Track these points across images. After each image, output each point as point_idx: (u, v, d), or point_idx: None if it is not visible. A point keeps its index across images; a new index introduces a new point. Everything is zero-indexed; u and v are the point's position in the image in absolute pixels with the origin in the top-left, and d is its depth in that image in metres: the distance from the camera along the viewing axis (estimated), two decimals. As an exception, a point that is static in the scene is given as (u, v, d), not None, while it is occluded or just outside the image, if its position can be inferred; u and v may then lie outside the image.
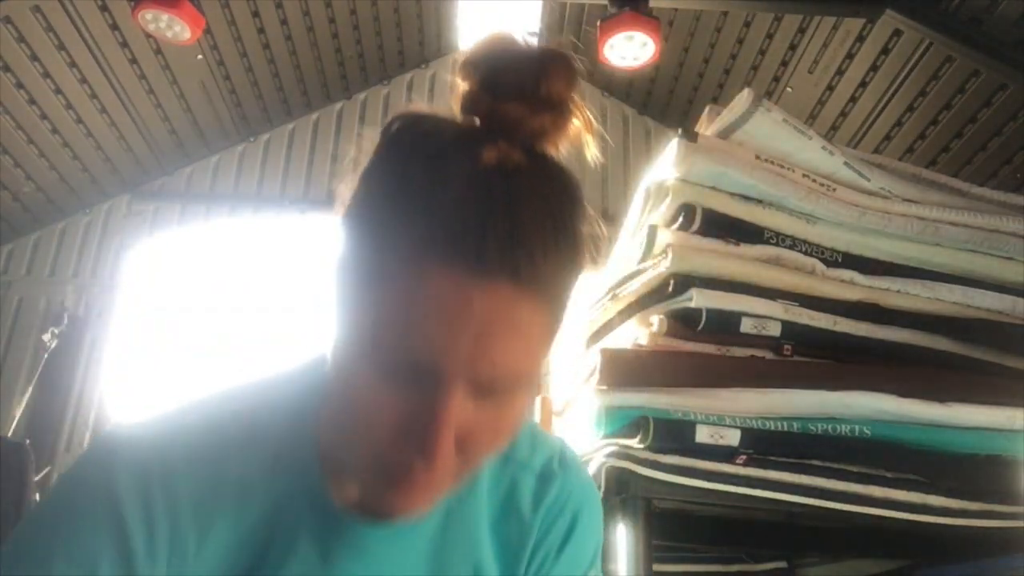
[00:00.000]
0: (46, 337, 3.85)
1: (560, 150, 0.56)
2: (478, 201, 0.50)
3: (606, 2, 3.26)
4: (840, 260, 1.42)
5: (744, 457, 1.27)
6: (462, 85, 0.56)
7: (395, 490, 0.55)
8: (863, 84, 3.57)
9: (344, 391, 0.56)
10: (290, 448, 0.63)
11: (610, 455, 1.29)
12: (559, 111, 0.55)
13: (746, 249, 1.38)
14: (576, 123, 0.57)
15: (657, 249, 1.41)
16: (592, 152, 0.59)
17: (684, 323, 1.34)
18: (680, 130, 1.38)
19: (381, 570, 0.65)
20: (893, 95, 3.49)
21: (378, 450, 0.55)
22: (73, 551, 0.56)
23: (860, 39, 3.43)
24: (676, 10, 3.83)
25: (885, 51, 3.38)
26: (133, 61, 3.76)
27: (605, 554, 0.89)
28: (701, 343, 1.37)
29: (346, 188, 0.58)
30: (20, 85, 3.56)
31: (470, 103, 0.55)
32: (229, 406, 0.65)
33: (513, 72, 0.54)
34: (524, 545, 0.70)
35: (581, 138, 0.58)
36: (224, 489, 0.61)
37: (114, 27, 3.57)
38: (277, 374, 0.68)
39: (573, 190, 0.56)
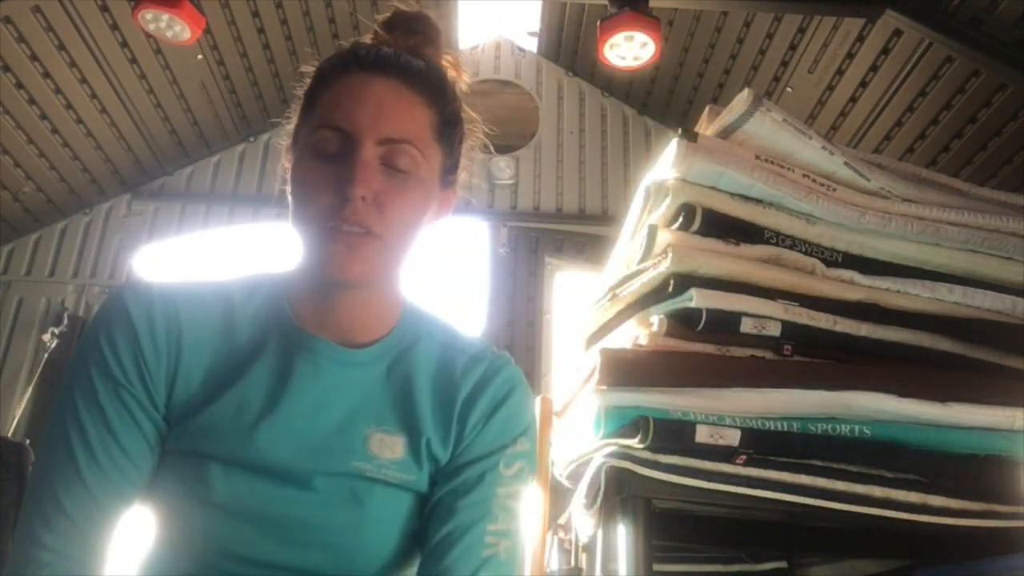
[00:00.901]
0: (46, 337, 3.86)
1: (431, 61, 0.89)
2: (376, 48, 0.86)
3: (606, 2, 3.26)
4: (840, 260, 1.42)
5: (744, 457, 1.27)
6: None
7: (335, 242, 0.78)
8: (863, 84, 3.57)
9: (298, 178, 0.83)
10: (270, 301, 0.87)
11: (610, 455, 1.29)
12: (421, 36, 0.90)
13: (746, 249, 1.38)
14: (447, 59, 0.93)
15: (657, 249, 1.41)
16: (463, 79, 0.93)
17: (684, 323, 1.34)
18: (680, 130, 1.38)
19: (328, 385, 0.85)
20: (893, 95, 3.49)
21: (321, 210, 0.79)
22: (104, 344, 0.81)
23: (860, 39, 3.43)
24: (676, 10, 3.83)
25: (885, 51, 3.38)
26: (133, 61, 3.76)
27: (605, 554, 0.90)
28: (701, 343, 1.37)
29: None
30: (20, 85, 3.56)
31: (375, 37, 0.91)
32: (225, 276, 0.90)
33: (396, 21, 0.92)
34: (454, 401, 0.88)
35: (451, 65, 0.93)
36: (214, 316, 0.85)
37: (114, 27, 3.57)
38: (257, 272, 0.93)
39: (435, 64, 0.90)
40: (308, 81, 0.88)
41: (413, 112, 0.82)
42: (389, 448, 0.85)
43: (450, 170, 0.89)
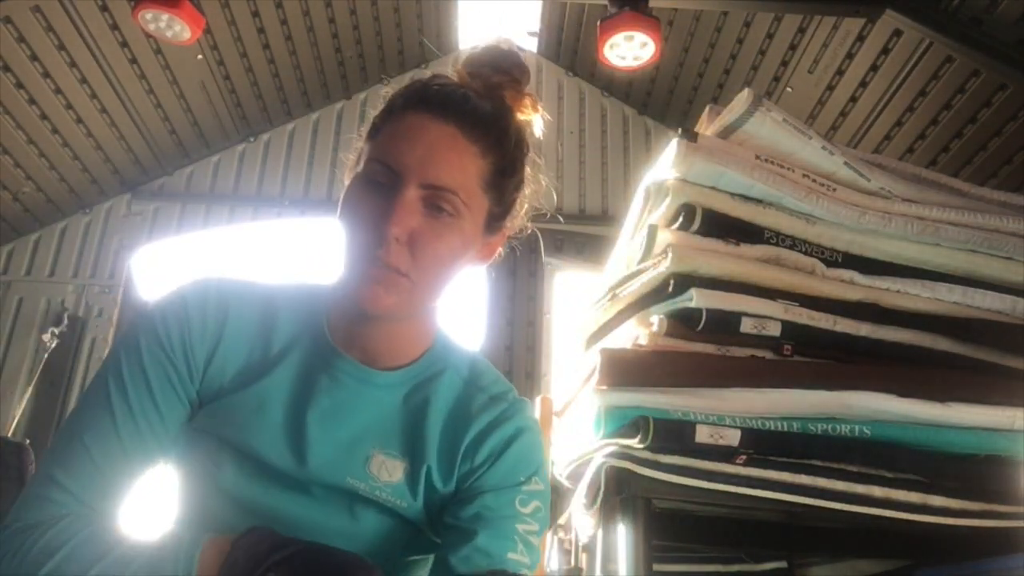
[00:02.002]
0: (46, 337, 3.86)
1: (514, 108, 0.90)
2: (445, 87, 0.86)
3: (606, 2, 3.26)
4: (840, 260, 1.42)
5: (744, 457, 1.27)
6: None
7: (367, 277, 0.80)
8: (863, 84, 3.57)
9: (348, 201, 0.84)
10: (310, 312, 0.91)
11: (610, 455, 1.29)
12: (506, 77, 0.89)
13: (746, 249, 1.38)
14: (527, 100, 0.91)
15: (657, 249, 1.41)
16: (539, 123, 0.93)
17: (684, 323, 1.34)
18: (680, 130, 1.38)
19: (344, 401, 0.87)
20: (893, 95, 3.49)
21: (359, 242, 0.81)
22: (156, 317, 0.86)
23: (860, 39, 3.43)
24: (676, 10, 3.83)
25: (885, 51, 3.38)
26: (133, 61, 3.76)
27: (605, 554, 0.90)
28: (701, 343, 1.37)
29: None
30: (20, 85, 3.56)
31: (455, 74, 0.91)
32: (277, 280, 0.96)
33: (481, 56, 0.90)
34: (463, 436, 0.89)
35: (531, 105, 0.91)
36: (257, 316, 0.89)
37: (114, 27, 3.57)
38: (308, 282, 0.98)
39: (509, 110, 0.89)
40: (381, 106, 0.89)
41: (463, 162, 0.83)
42: (388, 471, 0.87)
43: (497, 217, 0.89)
